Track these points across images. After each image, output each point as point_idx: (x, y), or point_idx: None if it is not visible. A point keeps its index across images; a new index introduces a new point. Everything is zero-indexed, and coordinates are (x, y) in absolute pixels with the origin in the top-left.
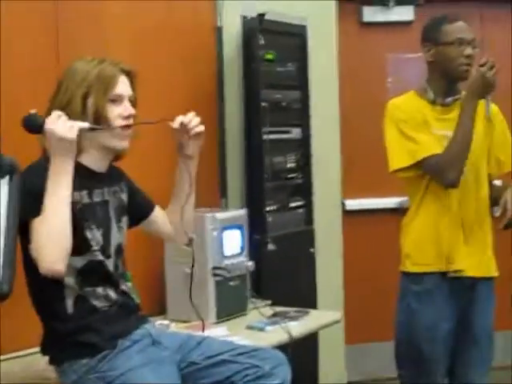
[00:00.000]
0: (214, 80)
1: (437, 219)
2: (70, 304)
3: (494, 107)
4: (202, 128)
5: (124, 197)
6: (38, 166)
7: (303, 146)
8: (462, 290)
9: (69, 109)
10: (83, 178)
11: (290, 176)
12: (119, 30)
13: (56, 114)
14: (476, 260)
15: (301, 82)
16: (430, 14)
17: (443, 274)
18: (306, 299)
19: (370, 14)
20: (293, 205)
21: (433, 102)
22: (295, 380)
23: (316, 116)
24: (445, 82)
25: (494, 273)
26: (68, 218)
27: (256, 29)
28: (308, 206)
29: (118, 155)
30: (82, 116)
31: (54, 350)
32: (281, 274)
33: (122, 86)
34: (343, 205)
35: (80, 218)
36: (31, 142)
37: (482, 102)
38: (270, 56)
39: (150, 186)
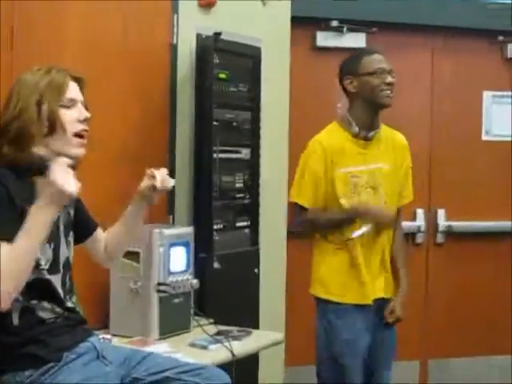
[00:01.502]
0: (167, 97)
1: (346, 251)
2: (15, 316)
3: (402, 141)
4: (173, 183)
5: (71, 212)
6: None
7: (252, 166)
8: (375, 308)
9: (23, 117)
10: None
11: (237, 196)
12: (73, 44)
13: (63, 163)
14: (384, 283)
15: (252, 103)
16: (381, 42)
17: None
18: (249, 319)
19: (324, 39)
20: (239, 224)
21: (356, 136)
22: None
23: (266, 138)
24: (367, 112)
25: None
26: (33, 265)
27: (211, 47)
28: (254, 227)
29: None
30: (37, 122)
31: None
32: (225, 293)
33: (74, 91)
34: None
35: None
36: None
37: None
38: (222, 75)
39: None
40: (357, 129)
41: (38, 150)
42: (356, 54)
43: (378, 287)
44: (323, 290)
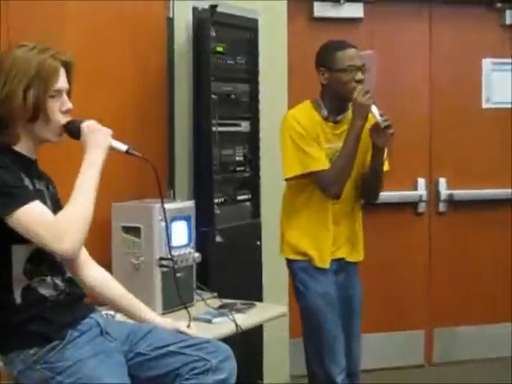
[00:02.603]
0: (165, 71)
1: (318, 217)
2: (17, 294)
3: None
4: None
5: (56, 193)
6: None
7: (252, 139)
8: (338, 267)
9: (10, 102)
10: (24, 165)
11: (238, 169)
12: (70, 19)
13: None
14: (348, 248)
15: (250, 75)
16: (379, 12)
17: None
18: (252, 292)
19: (321, 9)
20: (240, 198)
21: (326, 119)
22: (240, 373)
23: (265, 110)
24: (336, 101)
25: (360, 258)
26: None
27: (207, 20)
28: (255, 200)
29: None
30: (22, 108)
31: (0, 339)
32: (227, 267)
33: (62, 80)
34: None
35: None
36: None
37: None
38: (220, 48)
39: None
40: (326, 113)
41: (18, 132)
42: (330, 48)
43: (340, 251)
44: (291, 251)
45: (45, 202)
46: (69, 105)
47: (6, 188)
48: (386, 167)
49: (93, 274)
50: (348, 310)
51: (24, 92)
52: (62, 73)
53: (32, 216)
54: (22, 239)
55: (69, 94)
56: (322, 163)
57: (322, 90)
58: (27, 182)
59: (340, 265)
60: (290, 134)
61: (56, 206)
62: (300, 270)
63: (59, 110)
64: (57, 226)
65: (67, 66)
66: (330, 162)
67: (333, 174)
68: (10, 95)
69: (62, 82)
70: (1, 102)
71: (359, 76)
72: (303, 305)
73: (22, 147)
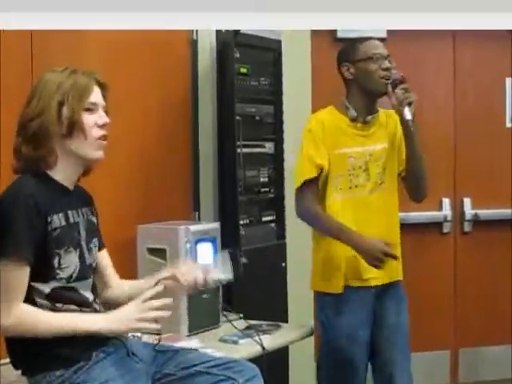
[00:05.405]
0: (188, 93)
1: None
2: None
3: (394, 116)
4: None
5: (94, 220)
6: (19, 202)
7: (276, 160)
8: (371, 296)
9: (44, 117)
10: (59, 197)
11: (262, 190)
12: (94, 41)
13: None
14: (381, 270)
15: (275, 96)
16: (402, 31)
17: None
18: (277, 313)
19: (344, 29)
20: (265, 219)
21: (353, 120)
22: None
23: (289, 131)
24: (365, 98)
25: (400, 277)
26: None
27: (231, 42)
28: (280, 221)
29: (86, 169)
30: (57, 123)
31: (26, 362)
32: (253, 288)
33: (97, 95)
34: None
35: (53, 245)
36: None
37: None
38: (244, 70)
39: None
40: (355, 113)
41: (56, 152)
42: (353, 42)
43: (377, 273)
44: (316, 282)
45: (79, 236)
46: (105, 119)
47: (13, 232)
48: None
49: (116, 290)
50: (382, 337)
51: (58, 106)
52: (96, 88)
53: (7, 277)
54: (40, 278)
55: (106, 112)
56: (312, 169)
57: (347, 90)
58: (56, 218)
59: (371, 292)
60: (304, 136)
61: (92, 235)
62: (327, 305)
63: (95, 123)
64: (17, 311)
65: (101, 85)
66: (356, 166)
67: (311, 215)
68: (45, 109)
69: (96, 96)
70: (36, 117)
71: (386, 64)
72: (325, 340)
73: (58, 172)
